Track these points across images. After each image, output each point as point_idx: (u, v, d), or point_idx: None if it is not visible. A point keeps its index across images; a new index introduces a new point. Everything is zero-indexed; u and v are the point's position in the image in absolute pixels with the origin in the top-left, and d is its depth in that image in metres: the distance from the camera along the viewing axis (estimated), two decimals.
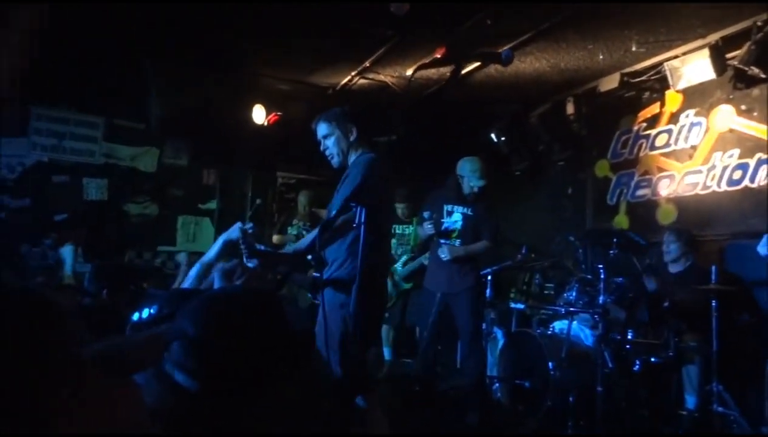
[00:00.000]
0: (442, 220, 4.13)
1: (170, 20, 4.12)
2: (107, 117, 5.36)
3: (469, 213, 4.03)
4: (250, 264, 2.07)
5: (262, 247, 2.27)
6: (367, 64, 4.76)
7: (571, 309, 3.81)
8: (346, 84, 5.22)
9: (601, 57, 4.50)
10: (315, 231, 2.53)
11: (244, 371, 0.98)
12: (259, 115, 5.25)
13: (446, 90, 4.45)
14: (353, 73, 4.98)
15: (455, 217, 4.07)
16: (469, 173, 3.98)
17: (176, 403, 0.96)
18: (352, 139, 2.70)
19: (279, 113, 5.32)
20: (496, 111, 5.58)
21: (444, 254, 3.93)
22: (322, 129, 2.74)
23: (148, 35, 4.38)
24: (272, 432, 1.03)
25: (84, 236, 4.61)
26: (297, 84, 5.33)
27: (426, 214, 4.07)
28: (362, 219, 1.56)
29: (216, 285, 1.66)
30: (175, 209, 5.68)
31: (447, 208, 4.11)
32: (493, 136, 5.62)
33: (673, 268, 3.96)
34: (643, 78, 4.65)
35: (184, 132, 5.58)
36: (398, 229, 5.22)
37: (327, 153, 2.76)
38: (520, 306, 4.45)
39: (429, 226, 3.97)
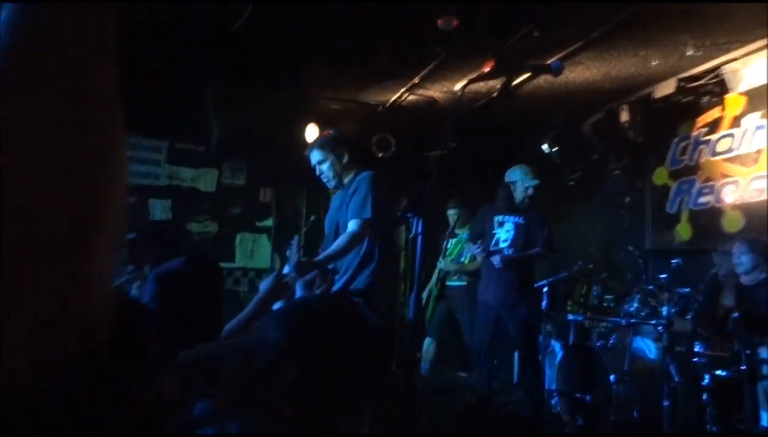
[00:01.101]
0: (493, 232, 4.14)
1: (227, 46, 4.35)
2: (170, 140, 5.67)
3: (521, 221, 4.02)
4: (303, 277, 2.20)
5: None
6: (416, 81, 4.86)
7: (633, 320, 3.72)
8: (395, 101, 5.33)
9: (654, 63, 4.42)
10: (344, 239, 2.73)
11: (327, 374, 1.04)
12: (312, 133, 5.43)
13: (496, 103, 4.48)
14: (402, 90, 5.08)
15: (507, 227, 4.07)
16: (521, 176, 3.99)
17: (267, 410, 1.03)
18: (344, 161, 2.98)
19: (332, 131, 5.48)
20: (548, 121, 5.54)
21: (496, 261, 3.93)
22: (315, 156, 3.04)
23: (206, 60, 4.64)
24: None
25: (152, 254, 4.88)
26: (348, 102, 5.49)
27: (476, 249, 4.13)
28: (419, 230, 1.62)
29: (298, 296, 1.77)
30: (234, 227, 5.92)
31: (498, 218, 4.12)
32: (545, 146, 5.58)
33: (746, 280, 3.80)
34: (701, 82, 4.52)
35: (241, 153, 5.85)
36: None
37: (322, 177, 3.05)
38: (579, 318, 4.38)
39: (477, 249, 4.01)
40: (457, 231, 5.27)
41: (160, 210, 5.58)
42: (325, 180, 3.06)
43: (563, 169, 5.63)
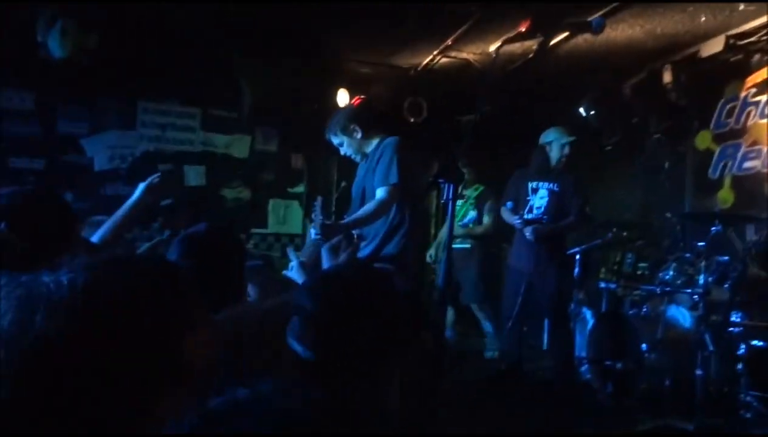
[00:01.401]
0: (527, 198, 4.08)
1: (256, 12, 4.33)
2: (204, 107, 5.74)
3: (556, 189, 3.96)
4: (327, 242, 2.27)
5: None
6: (449, 43, 4.74)
7: (668, 288, 3.65)
8: (427, 64, 5.23)
9: (703, 19, 4.18)
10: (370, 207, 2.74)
11: (357, 343, 1.06)
12: (343, 99, 5.40)
13: (533, 64, 4.36)
14: (435, 53, 4.98)
15: (541, 193, 4.01)
16: (556, 136, 3.92)
17: (297, 374, 1.07)
18: (360, 136, 3.00)
19: (363, 96, 5.45)
20: (586, 83, 5.36)
21: (528, 233, 3.89)
22: (334, 141, 3.11)
23: (235, 29, 4.64)
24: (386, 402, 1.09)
25: (187, 220, 5.02)
26: (379, 66, 5.42)
27: (509, 204, 4.05)
28: (449, 196, 1.62)
29: (324, 261, 1.81)
30: (266, 193, 6.00)
31: (531, 185, 4.06)
32: (581, 109, 5.42)
33: None
34: (753, 39, 4.27)
35: (272, 119, 5.88)
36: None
37: (348, 155, 3.10)
38: (612, 285, 4.32)
39: (517, 220, 3.96)
40: (464, 192, 5.20)
41: (194, 176, 5.70)
42: (350, 157, 3.12)
43: (601, 132, 5.47)
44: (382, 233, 2.84)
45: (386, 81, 5.69)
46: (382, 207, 2.79)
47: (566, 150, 3.94)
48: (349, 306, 1.08)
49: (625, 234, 4.49)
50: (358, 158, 3.09)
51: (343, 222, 2.79)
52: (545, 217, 3.95)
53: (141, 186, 2.40)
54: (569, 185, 3.93)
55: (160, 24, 4.55)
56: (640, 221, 5.04)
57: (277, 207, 6.04)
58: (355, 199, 3.06)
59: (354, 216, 2.85)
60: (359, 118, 3.05)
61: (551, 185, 3.97)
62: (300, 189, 6.09)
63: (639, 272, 4.22)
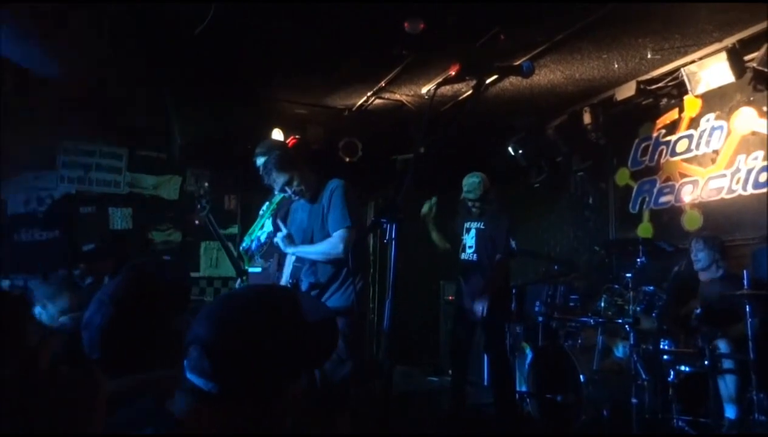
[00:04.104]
0: (462, 238, 4.13)
1: (188, 52, 4.23)
2: (131, 148, 5.49)
3: (482, 227, 4.04)
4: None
5: None
6: (383, 84, 4.83)
7: (600, 319, 3.76)
8: (362, 105, 5.29)
9: (616, 66, 4.50)
10: (324, 246, 2.75)
11: (260, 370, 0.99)
12: (278, 138, 5.33)
13: (466, 105, 4.49)
14: (369, 94, 5.04)
15: (471, 233, 4.08)
16: (464, 188, 4.02)
17: (200, 408, 0.97)
18: (294, 176, 2.92)
19: (297, 136, 5.41)
20: (514, 124, 5.59)
21: (479, 308, 3.80)
22: (266, 179, 2.98)
23: (167, 67, 4.50)
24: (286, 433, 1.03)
25: (112, 265, 4.69)
26: (314, 107, 5.41)
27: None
28: (393, 236, 1.57)
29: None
30: (198, 235, 5.76)
31: (466, 224, 4.13)
32: (510, 149, 5.63)
33: (704, 276, 3.89)
34: (661, 84, 4.63)
35: (204, 160, 5.70)
36: None
37: (284, 194, 3.03)
38: (546, 319, 4.40)
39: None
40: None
41: (120, 219, 5.38)
42: (301, 199, 3.01)
43: (529, 171, 5.69)
44: (333, 286, 2.79)
45: (321, 121, 5.68)
46: (339, 248, 2.75)
47: (470, 204, 4.02)
48: (246, 331, 0.99)
49: (556, 267, 4.62)
50: (295, 197, 3.00)
51: (298, 248, 2.84)
52: (475, 255, 4.02)
53: None
54: (495, 223, 4.02)
55: (87, 58, 4.32)
56: (569, 255, 5.22)
57: (210, 249, 5.80)
58: (302, 240, 2.96)
59: (309, 246, 2.83)
60: (294, 158, 2.99)
61: (478, 224, 4.07)
62: (233, 230, 5.89)
63: (571, 304, 4.34)
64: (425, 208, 4.07)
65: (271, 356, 0.99)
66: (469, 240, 4.08)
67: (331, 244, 2.77)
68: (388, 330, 1.61)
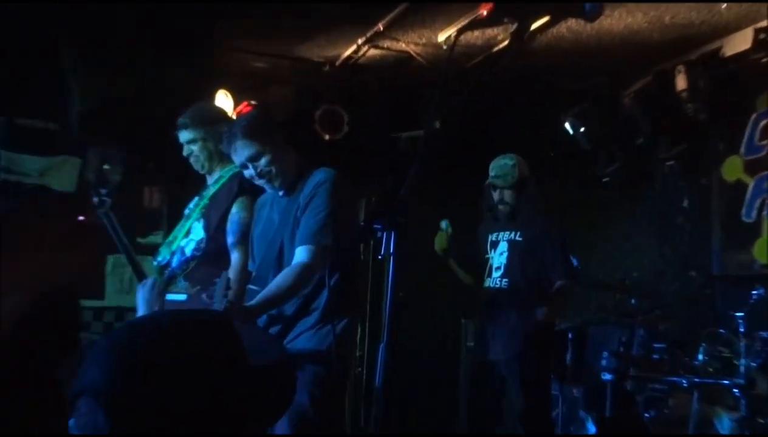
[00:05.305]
0: (487, 256, 4.15)
1: None
2: (5, 116, 5.49)
3: (517, 238, 4.04)
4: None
5: None
6: (380, 28, 4.84)
7: (697, 380, 3.77)
8: (350, 57, 5.31)
9: (724, 5, 4.52)
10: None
11: (175, 424, 1.01)
12: (223, 104, 5.34)
13: (502, 61, 4.50)
14: (360, 41, 5.06)
15: (501, 248, 4.08)
16: (490, 172, 4.02)
17: None
18: (285, 156, 2.99)
19: (253, 102, 5.42)
20: (573, 89, 5.61)
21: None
22: (238, 156, 2.96)
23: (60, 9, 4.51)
24: None
25: None
26: (279, 59, 5.43)
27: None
28: (391, 249, 1.57)
29: None
30: (102, 246, 5.77)
31: (491, 237, 4.14)
32: (568, 125, 5.65)
33: None
34: None
35: (115, 134, 5.70)
36: None
37: (261, 184, 3.01)
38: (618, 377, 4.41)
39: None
40: None
41: None
42: (267, 187, 3.00)
43: (595, 158, 5.70)
44: (304, 321, 2.80)
45: (289, 80, 5.69)
46: (307, 276, 2.75)
47: (503, 194, 4.04)
48: (160, 371, 1.03)
49: (633, 301, 4.63)
50: (281, 190, 2.99)
51: (254, 304, 2.74)
52: (505, 280, 4.01)
53: None
54: (540, 231, 4.02)
55: None
56: (652, 283, 5.23)
57: (120, 266, 5.80)
58: (266, 256, 2.98)
59: (267, 292, 2.77)
60: (271, 126, 2.98)
61: (512, 234, 4.05)
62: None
63: (655, 356, 4.34)
64: (438, 241, 4.08)
65: (193, 406, 1.02)
66: (497, 258, 4.08)
67: (290, 278, 2.75)
68: (380, 390, 1.61)
